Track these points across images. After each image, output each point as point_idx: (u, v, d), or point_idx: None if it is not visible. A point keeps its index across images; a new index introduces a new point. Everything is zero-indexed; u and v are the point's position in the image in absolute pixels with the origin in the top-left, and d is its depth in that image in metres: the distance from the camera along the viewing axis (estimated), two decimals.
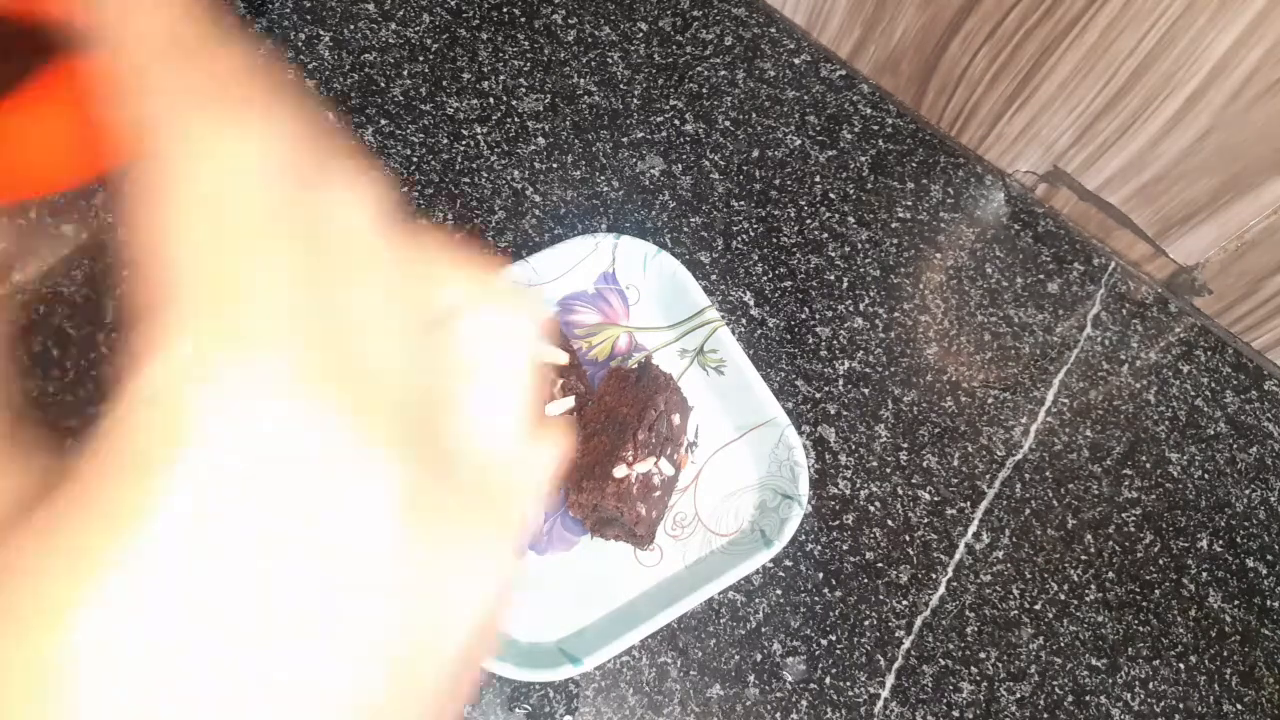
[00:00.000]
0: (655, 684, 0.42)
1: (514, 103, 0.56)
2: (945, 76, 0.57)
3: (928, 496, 0.48)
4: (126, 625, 0.12)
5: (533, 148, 0.55)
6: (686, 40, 0.60)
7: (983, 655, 0.45)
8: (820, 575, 0.46)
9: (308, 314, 0.13)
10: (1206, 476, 0.52)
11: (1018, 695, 0.44)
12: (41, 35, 0.17)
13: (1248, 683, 0.47)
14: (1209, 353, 0.56)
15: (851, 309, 0.53)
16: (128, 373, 0.12)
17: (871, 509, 0.48)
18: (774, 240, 0.54)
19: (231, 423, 0.12)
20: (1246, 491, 0.52)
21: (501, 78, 0.57)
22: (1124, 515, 0.50)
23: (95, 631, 0.12)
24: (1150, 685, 0.46)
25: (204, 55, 0.14)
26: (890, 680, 0.44)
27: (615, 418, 0.44)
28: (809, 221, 0.55)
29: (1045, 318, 0.55)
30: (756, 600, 0.45)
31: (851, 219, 0.56)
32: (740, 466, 0.47)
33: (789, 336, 0.51)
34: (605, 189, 0.54)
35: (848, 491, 0.48)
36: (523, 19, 0.59)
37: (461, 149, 0.54)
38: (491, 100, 0.56)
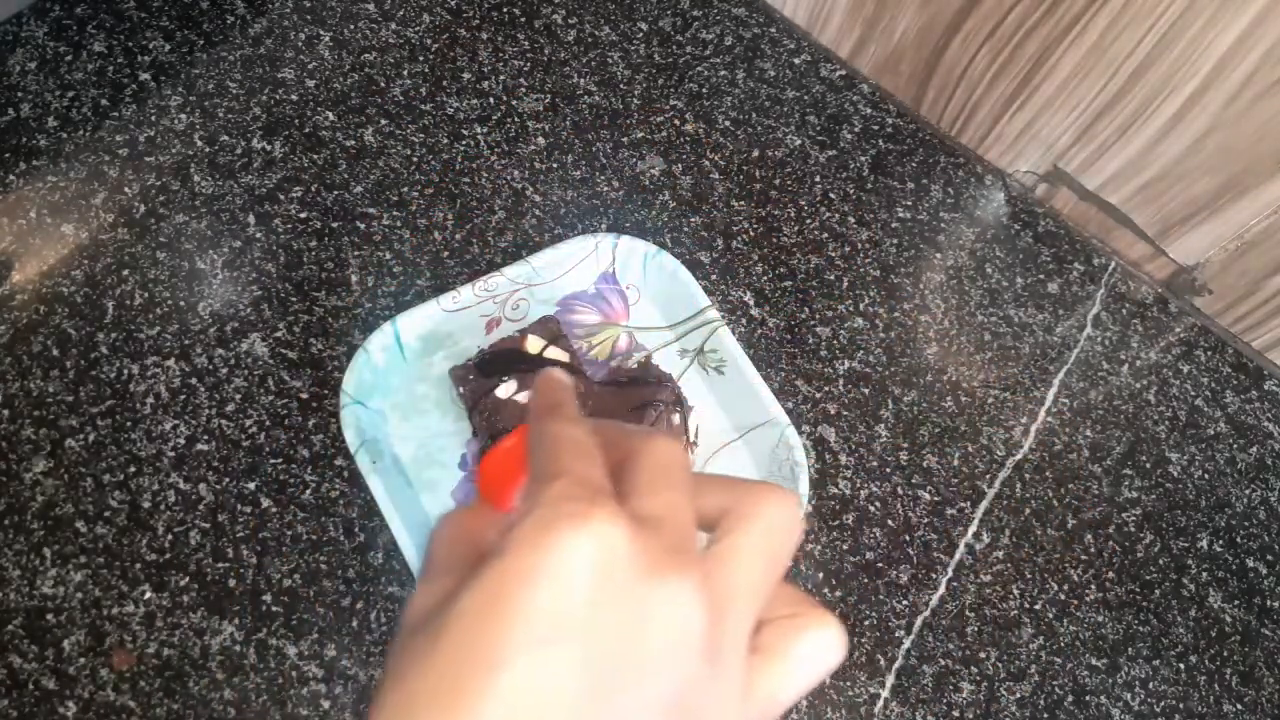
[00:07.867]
0: None
1: (514, 103, 0.56)
2: (945, 76, 0.57)
3: (928, 496, 0.48)
4: None
5: (533, 148, 0.55)
6: (686, 40, 0.60)
7: (983, 655, 0.45)
8: (820, 575, 0.46)
9: None
10: (1206, 476, 0.52)
11: (1018, 695, 0.44)
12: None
13: (1248, 683, 0.47)
14: (1209, 353, 0.56)
15: (851, 309, 0.53)
16: None
17: (871, 509, 0.48)
18: (774, 240, 0.54)
19: None
20: (1246, 491, 0.52)
21: (501, 78, 0.57)
22: (1124, 515, 0.50)
23: None
24: (1150, 685, 0.46)
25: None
26: (890, 680, 0.44)
27: (615, 418, 0.44)
28: (809, 221, 0.55)
29: (1045, 318, 0.55)
30: None
31: (851, 219, 0.56)
32: (740, 466, 0.47)
33: (789, 336, 0.51)
34: (605, 189, 0.54)
35: (848, 491, 0.48)
36: (523, 19, 0.59)
37: (461, 149, 0.54)
38: (491, 100, 0.56)
